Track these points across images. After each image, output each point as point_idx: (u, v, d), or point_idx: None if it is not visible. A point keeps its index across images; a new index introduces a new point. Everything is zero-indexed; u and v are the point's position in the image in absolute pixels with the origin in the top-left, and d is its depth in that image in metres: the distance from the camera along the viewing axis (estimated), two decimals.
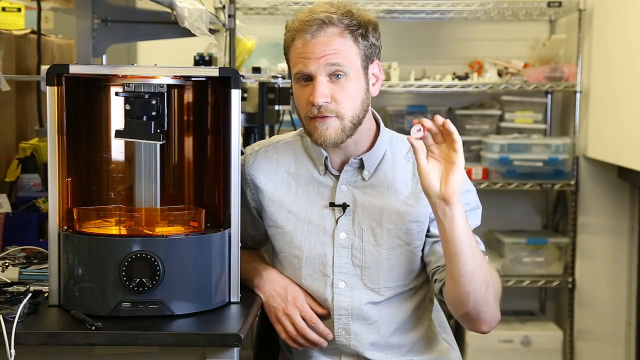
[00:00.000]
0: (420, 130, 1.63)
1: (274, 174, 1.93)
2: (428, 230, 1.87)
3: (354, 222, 1.88)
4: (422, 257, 1.89)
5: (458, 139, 1.65)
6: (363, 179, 1.89)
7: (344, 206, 1.87)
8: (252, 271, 1.92)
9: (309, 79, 1.80)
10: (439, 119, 1.65)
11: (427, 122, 1.64)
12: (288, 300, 1.87)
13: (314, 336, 1.85)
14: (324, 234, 1.88)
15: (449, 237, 1.68)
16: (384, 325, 1.88)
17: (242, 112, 2.44)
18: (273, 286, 1.89)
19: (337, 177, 1.90)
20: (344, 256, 1.87)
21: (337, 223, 1.88)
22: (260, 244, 2.04)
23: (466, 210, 1.74)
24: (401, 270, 1.87)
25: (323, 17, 1.77)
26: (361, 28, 1.80)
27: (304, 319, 1.86)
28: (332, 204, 1.88)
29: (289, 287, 1.89)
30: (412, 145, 1.65)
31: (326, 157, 1.89)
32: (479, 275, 1.71)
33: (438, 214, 1.68)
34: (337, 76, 1.78)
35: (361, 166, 1.89)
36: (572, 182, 3.81)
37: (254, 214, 1.96)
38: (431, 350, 1.94)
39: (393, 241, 1.86)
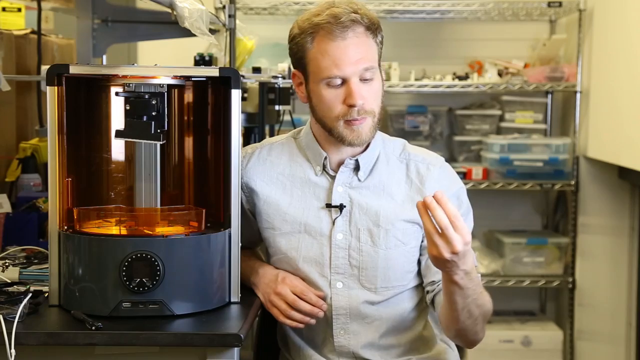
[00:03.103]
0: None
1: (269, 176, 1.93)
2: (422, 241, 1.88)
3: (350, 223, 1.88)
4: (419, 258, 1.90)
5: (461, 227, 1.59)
6: (359, 179, 1.89)
7: (341, 207, 1.87)
8: (248, 269, 1.92)
9: (341, 82, 1.80)
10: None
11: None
12: (278, 281, 1.86)
13: (306, 306, 1.83)
14: (320, 235, 1.88)
15: (449, 292, 1.69)
16: (382, 325, 1.89)
17: (242, 112, 2.44)
18: (265, 279, 1.89)
19: (332, 178, 1.90)
20: (341, 257, 1.87)
21: (333, 224, 1.88)
22: (255, 245, 2.04)
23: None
24: (398, 270, 1.87)
25: (352, 18, 1.77)
26: (375, 25, 1.82)
27: (295, 294, 1.85)
28: (328, 205, 1.88)
29: (280, 273, 1.89)
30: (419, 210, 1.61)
31: (325, 157, 1.89)
32: (471, 314, 1.73)
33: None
34: (367, 77, 1.80)
35: (357, 167, 1.89)
36: (572, 182, 3.81)
37: (248, 216, 1.95)
38: (429, 350, 1.94)
39: (390, 241, 1.86)
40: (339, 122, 1.82)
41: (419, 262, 1.90)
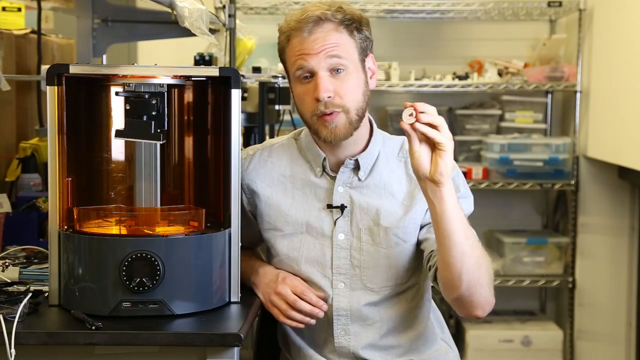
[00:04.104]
0: (412, 114, 1.63)
1: (270, 178, 1.93)
2: (424, 216, 1.87)
3: (351, 223, 1.88)
4: (419, 253, 1.89)
5: (441, 123, 1.63)
6: (359, 179, 1.89)
7: (342, 207, 1.87)
8: (248, 269, 1.92)
9: (309, 76, 1.80)
10: (422, 118, 1.62)
11: (420, 107, 1.63)
12: (278, 281, 1.86)
13: (307, 306, 1.83)
14: (322, 236, 1.88)
15: (439, 218, 1.66)
16: (382, 326, 1.89)
17: (242, 112, 2.44)
18: (266, 278, 1.89)
19: (333, 179, 1.90)
20: (343, 257, 1.87)
21: (335, 225, 1.88)
22: (255, 245, 2.04)
23: (457, 197, 1.74)
24: (399, 269, 1.87)
25: (318, 14, 1.79)
26: (355, 22, 1.82)
27: (296, 295, 1.84)
28: (329, 206, 1.88)
29: (281, 273, 1.89)
30: (404, 129, 1.65)
31: (324, 158, 1.89)
32: (471, 256, 1.69)
33: (429, 195, 1.66)
34: (338, 71, 1.80)
35: (357, 167, 1.89)
36: (572, 182, 3.81)
37: (249, 217, 1.95)
38: (429, 350, 1.94)
39: (390, 239, 1.86)
40: (312, 118, 1.83)
41: (418, 244, 1.88)
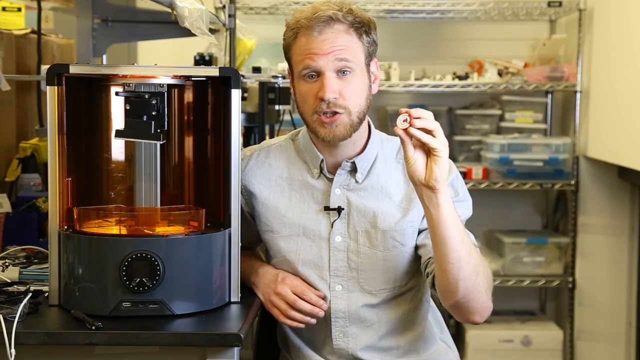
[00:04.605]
0: (406, 120, 1.62)
1: (267, 179, 1.93)
2: (421, 222, 1.87)
3: (349, 225, 1.88)
4: (417, 257, 1.88)
5: (436, 128, 1.61)
6: (356, 181, 1.89)
7: (339, 210, 1.87)
8: (248, 269, 1.92)
9: (315, 75, 1.80)
10: (416, 123, 1.60)
11: (414, 112, 1.63)
12: (278, 281, 1.86)
13: (307, 306, 1.83)
14: (319, 238, 1.88)
15: (435, 223, 1.66)
16: (381, 327, 1.88)
17: (242, 112, 2.44)
18: (265, 279, 1.89)
19: (330, 181, 1.90)
20: (340, 259, 1.87)
21: (332, 227, 1.88)
22: (255, 245, 2.04)
23: (455, 200, 1.74)
24: (397, 272, 1.87)
25: (330, 14, 1.78)
26: (364, 26, 1.82)
27: (295, 295, 1.84)
28: (326, 208, 1.88)
29: (280, 273, 1.89)
30: (398, 135, 1.64)
31: (322, 160, 1.89)
32: (468, 263, 1.68)
33: (424, 201, 1.66)
34: (344, 72, 1.79)
35: (354, 169, 1.89)
36: (572, 182, 3.81)
37: (247, 218, 1.95)
38: (428, 350, 1.94)
39: (388, 242, 1.86)
40: (313, 117, 1.82)
41: (416, 250, 1.88)
